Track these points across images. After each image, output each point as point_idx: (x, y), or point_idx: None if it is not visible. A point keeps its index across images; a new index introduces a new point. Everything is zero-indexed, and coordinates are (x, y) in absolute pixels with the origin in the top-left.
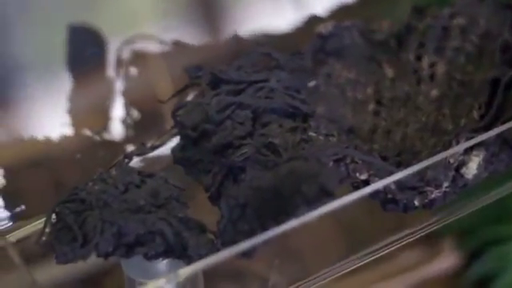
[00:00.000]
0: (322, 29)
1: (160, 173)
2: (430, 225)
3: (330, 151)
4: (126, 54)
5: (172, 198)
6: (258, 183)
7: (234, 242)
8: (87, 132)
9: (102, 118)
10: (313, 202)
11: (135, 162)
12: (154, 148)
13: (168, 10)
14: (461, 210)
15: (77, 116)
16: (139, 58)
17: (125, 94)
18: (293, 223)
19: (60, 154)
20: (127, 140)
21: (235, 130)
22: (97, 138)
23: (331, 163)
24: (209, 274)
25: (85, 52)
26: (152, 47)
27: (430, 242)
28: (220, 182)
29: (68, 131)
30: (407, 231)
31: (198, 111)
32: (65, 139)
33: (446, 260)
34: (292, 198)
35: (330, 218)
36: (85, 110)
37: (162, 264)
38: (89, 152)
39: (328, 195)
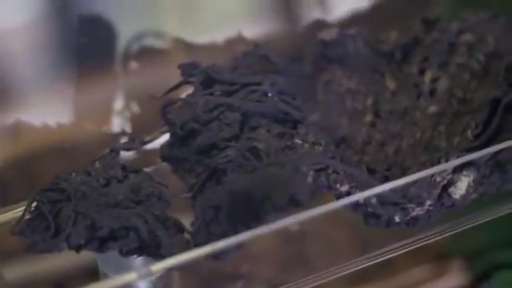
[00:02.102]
0: (326, 35)
1: (145, 169)
2: (436, 234)
3: (311, 160)
4: (135, 49)
5: (153, 195)
6: (232, 187)
7: (207, 243)
8: (92, 125)
9: (108, 111)
10: (282, 210)
11: None
12: (143, 143)
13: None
14: (466, 222)
15: (83, 109)
16: (149, 53)
17: (132, 89)
18: (263, 229)
19: (61, 145)
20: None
21: (221, 132)
22: (102, 131)
23: (312, 172)
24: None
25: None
26: (162, 43)
27: (439, 261)
28: (202, 183)
29: (72, 124)
30: (414, 238)
31: (188, 110)
32: (68, 131)
33: (454, 280)
34: (262, 204)
35: (342, 223)
36: (91, 103)
37: (138, 261)
38: (92, 145)
39: (297, 205)
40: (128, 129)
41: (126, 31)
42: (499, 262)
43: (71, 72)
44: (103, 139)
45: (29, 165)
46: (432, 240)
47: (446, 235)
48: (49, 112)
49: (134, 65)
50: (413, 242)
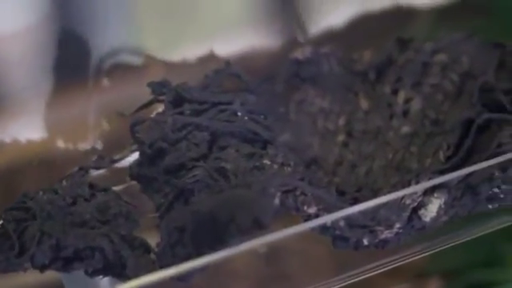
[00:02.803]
0: (299, 54)
1: (116, 187)
2: (414, 253)
3: (279, 182)
4: (109, 66)
5: (121, 215)
6: (198, 208)
7: (172, 265)
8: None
9: (81, 128)
10: (246, 233)
11: None
12: (112, 162)
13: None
14: (446, 242)
15: (55, 125)
16: (124, 70)
17: (105, 105)
18: (229, 251)
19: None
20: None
21: (189, 151)
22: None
23: (279, 194)
24: None
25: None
26: (137, 60)
27: (417, 281)
28: (170, 203)
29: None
30: (392, 257)
31: (157, 128)
32: (39, 148)
33: None
34: (227, 227)
35: (320, 240)
36: (63, 119)
37: (104, 281)
38: (63, 163)
39: (260, 227)
40: (100, 146)
41: (100, 47)
42: (477, 281)
43: (43, 88)
44: (74, 156)
45: None
46: (410, 259)
47: (424, 255)
48: (19, 128)
49: (107, 81)
50: (391, 261)
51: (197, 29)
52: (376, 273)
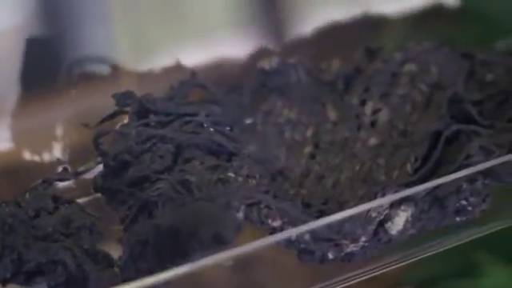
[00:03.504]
0: (266, 64)
1: (82, 200)
2: (390, 263)
3: (243, 195)
4: (76, 75)
5: (85, 228)
6: (160, 222)
7: (134, 279)
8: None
9: (47, 139)
10: (208, 248)
11: None
12: (77, 174)
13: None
14: (420, 252)
15: (20, 136)
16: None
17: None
18: (192, 266)
19: None
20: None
21: (153, 164)
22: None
23: (243, 207)
24: None
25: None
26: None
27: None
28: (134, 216)
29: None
30: (368, 267)
31: (121, 140)
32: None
33: None
34: (189, 241)
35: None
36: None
37: None
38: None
39: (222, 243)
40: (65, 157)
41: (67, 56)
42: None
43: (8, 97)
44: (39, 168)
45: None
46: (386, 269)
47: (399, 265)
48: None
49: (74, 91)
50: (367, 271)
51: (165, 39)
52: (351, 283)
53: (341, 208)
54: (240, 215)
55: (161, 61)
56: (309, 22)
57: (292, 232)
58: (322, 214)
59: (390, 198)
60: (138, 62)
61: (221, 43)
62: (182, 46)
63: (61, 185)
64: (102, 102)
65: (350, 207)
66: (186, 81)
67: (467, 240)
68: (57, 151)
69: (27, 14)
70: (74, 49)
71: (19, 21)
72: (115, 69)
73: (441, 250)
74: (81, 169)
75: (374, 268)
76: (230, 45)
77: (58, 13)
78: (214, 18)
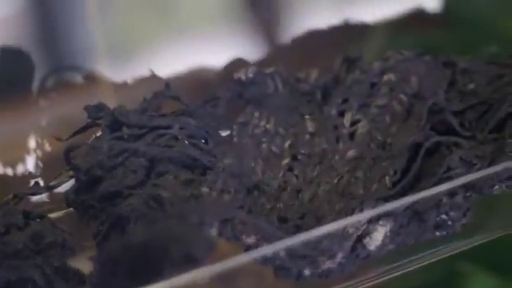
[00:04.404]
0: (242, 74)
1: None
2: (378, 275)
3: (217, 211)
4: (51, 84)
5: (56, 244)
6: (132, 239)
7: None
8: (2, 166)
9: (20, 151)
10: (179, 266)
11: None
12: (49, 188)
13: None
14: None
15: None
16: (66, 88)
17: (46, 125)
18: (165, 285)
19: None
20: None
21: (126, 179)
22: (11, 173)
23: (217, 224)
24: None
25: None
26: (79, 78)
27: None
28: (107, 231)
29: None
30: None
31: (93, 154)
32: None
33: None
34: (161, 259)
35: None
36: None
37: None
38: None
39: (194, 262)
40: (39, 170)
41: (41, 65)
42: None
43: None
44: (10, 182)
45: None
46: (369, 284)
47: (384, 279)
48: None
49: (48, 101)
50: (350, 285)
51: (141, 49)
52: None
53: (318, 223)
54: (214, 231)
55: (136, 71)
56: (287, 31)
57: (267, 249)
58: (298, 229)
59: (368, 213)
60: (116, 72)
61: (199, 52)
62: (154, 58)
63: (34, 199)
64: (77, 112)
65: (328, 222)
66: (160, 92)
67: (452, 253)
68: (29, 164)
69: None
70: (49, 56)
71: None
72: (92, 77)
73: (425, 263)
74: (53, 183)
75: (360, 281)
76: (209, 54)
77: (31, 20)
78: (192, 27)
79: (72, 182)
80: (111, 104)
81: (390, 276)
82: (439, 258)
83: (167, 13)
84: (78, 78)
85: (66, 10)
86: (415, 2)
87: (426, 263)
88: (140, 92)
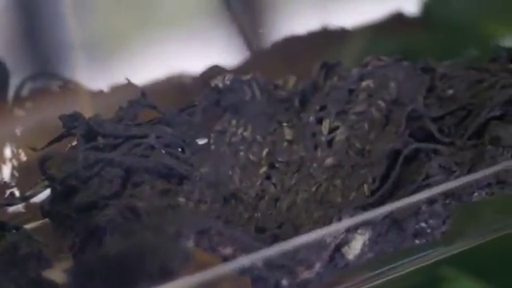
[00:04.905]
0: (219, 82)
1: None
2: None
3: (193, 222)
4: (26, 92)
5: (31, 255)
6: (107, 250)
7: None
8: None
9: None
10: (156, 278)
11: None
12: (24, 199)
13: None
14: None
15: None
16: (43, 96)
17: (21, 134)
18: None
19: None
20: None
21: (102, 189)
22: None
23: (193, 235)
24: None
25: None
26: (55, 85)
27: None
28: (82, 243)
29: None
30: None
31: (68, 164)
32: None
33: None
34: (136, 272)
35: None
36: None
37: None
38: None
39: (169, 274)
40: (14, 180)
41: (18, 72)
42: None
43: None
44: None
45: None
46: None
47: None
48: None
49: (24, 109)
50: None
51: (118, 56)
52: None
53: (296, 232)
54: (190, 243)
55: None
56: (266, 37)
57: (244, 260)
58: (276, 238)
59: (347, 222)
60: (93, 80)
61: (176, 58)
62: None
63: (10, 209)
64: (54, 120)
65: (306, 231)
66: (135, 101)
67: (436, 259)
68: (5, 174)
69: None
70: (23, 63)
71: None
72: (68, 84)
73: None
74: (28, 193)
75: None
76: (186, 60)
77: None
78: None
79: (48, 191)
80: (89, 111)
81: (371, 284)
82: (422, 264)
83: (145, 19)
84: (54, 86)
85: (41, 17)
86: (395, 6)
87: (407, 270)
88: (117, 99)
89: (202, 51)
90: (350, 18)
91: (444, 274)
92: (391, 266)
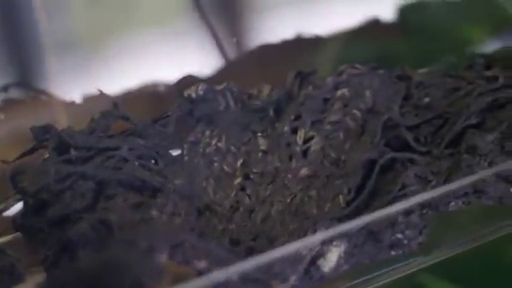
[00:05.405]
0: (192, 91)
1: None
2: None
3: (166, 235)
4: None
5: (4, 270)
6: (80, 265)
7: None
8: None
9: None
10: None
11: None
12: None
13: None
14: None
15: None
16: (15, 106)
17: None
18: None
19: None
20: None
21: (74, 202)
22: None
23: (167, 249)
24: None
25: None
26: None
27: None
28: (55, 258)
29: None
30: None
31: (40, 178)
32: None
33: None
34: (109, 286)
35: None
36: None
37: None
38: None
39: None
40: None
41: None
42: None
43: None
44: None
45: None
46: None
47: None
48: None
49: None
50: None
51: (91, 65)
52: None
53: (271, 244)
54: (164, 257)
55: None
56: (239, 45)
57: (219, 274)
58: (251, 251)
59: (322, 234)
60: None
61: (149, 67)
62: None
63: None
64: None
65: (281, 243)
66: (108, 112)
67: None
68: None
69: None
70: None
71: None
72: (40, 95)
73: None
74: (0, 206)
75: None
76: (160, 70)
77: None
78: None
79: (20, 205)
80: (62, 122)
81: None
82: (402, 273)
83: (119, 27)
84: (27, 96)
85: (13, 25)
86: (371, 13)
87: (387, 280)
88: (91, 108)
89: (176, 60)
90: (325, 25)
91: (423, 281)
92: (369, 277)
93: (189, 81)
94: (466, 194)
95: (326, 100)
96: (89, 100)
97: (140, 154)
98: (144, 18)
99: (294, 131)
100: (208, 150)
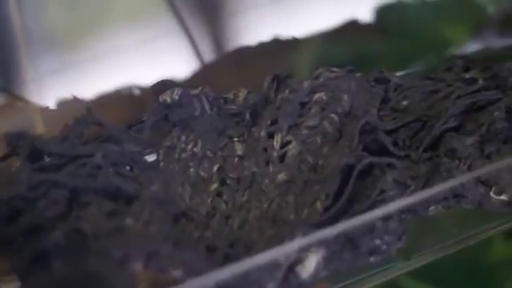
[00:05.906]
0: (167, 96)
1: None
2: None
3: (141, 244)
4: None
5: None
6: (53, 274)
7: None
8: None
9: None
10: None
11: None
12: None
13: None
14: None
15: None
16: None
17: None
18: None
19: None
20: None
21: (47, 211)
22: None
23: (142, 258)
24: None
25: None
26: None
27: None
28: (27, 267)
29: None
30: None
31: (12, 186)
32: None
33: None
34: None
35: None
36: None
37: None
38: None
39: None
40: None
41: None
42: None
43: None
44: None
45: None
46: None
47: None
48: None
49: None
50: None
51: (67, 69)
52: None
53: (248, 251)
54: (138, 266)
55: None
56: (215, 48)
57: (195, 282)
58: (227, 258)
59: (300, 241)
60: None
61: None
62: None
63: None
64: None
65: (258, 250)
66: (81, 118)
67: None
68: None
69: None
70: None
71: None
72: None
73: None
74: None
75: None
76: (135, 74)
77: None
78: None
79: None
80: (37, 126)
81: None
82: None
83: (94, 31)
84: (1, 101)
85: None
86: (349, 14)
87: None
88: (66, 113)
89: (151, 64)
90: (303, 26)
91: (404, 285)
92: (351, 281)
93: (165, 84)
94: (445, 199)
95: (303, 104)
96: (64, 105)
97: (114, 160)
98: (119, 21)
99: (271, 136)
100: (184, 156)
